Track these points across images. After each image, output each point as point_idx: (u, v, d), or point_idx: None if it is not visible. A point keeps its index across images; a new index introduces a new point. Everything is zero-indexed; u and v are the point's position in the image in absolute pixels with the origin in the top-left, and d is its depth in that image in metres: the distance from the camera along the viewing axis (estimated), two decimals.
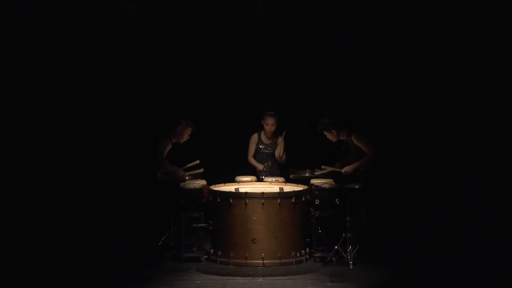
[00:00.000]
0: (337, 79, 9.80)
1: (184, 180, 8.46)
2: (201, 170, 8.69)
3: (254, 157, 9.23)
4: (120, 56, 9.63)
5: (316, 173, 8.58)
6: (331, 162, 8.62)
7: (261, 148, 9.20)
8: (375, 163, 8.32)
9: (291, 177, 8.73)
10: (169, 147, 8.63)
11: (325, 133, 8.54)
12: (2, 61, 9.33)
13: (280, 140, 9.17)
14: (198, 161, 8.70)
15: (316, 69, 9.84)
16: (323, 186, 8.26)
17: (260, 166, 9.10)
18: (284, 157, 9.19)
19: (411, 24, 9.41)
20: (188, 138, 8.78)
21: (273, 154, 9.19)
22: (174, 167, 8.57)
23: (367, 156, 8.32)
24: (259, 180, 8.90)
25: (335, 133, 8.51)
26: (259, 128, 9.22)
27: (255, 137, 9.24)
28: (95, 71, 9.67)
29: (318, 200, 8.23)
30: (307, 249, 8.24)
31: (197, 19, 9.69)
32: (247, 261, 7.96)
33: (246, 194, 8.05)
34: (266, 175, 8.99)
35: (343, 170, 8.42)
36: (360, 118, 9.26)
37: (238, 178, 8.83)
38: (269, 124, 9.09)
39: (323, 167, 8.58)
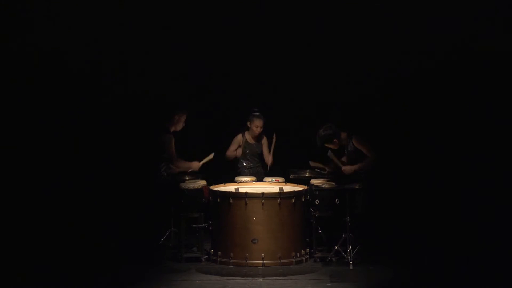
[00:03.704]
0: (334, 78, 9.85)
1: (184, 180, 8.44)
2: (211, 156, 8.63)
3: (244, 157, 9.10)
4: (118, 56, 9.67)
5: (329, 169, 8.53)
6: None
7: (248, 148, 9.09)
8: (376, 166, 8.26)
9: (291, 177, 8.70)
10: (173, 141, 8.45)
11: (326, 145, 8.38)
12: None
13: (265, 141, 9.01)
14: (212, 156, 8.64)
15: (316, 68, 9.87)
16: (323, 186, 8.26)
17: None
18: (271, 159, 8.99)
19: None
20: (184, 125, 8.61)
21: (261, 153, 9.07)
22: (187, 162, 8.51)
23: (367, 159, 8.26)
24: (259, 180, 8.87)
25: (337, 142, 8.37)
26: (244, 128, 9.03)
27: (239, 138, 9.06)
28: (94, 71, 9.72)
29: (318, 200, 8.22)
30: (307, 249, 8.23)
31: (192, 18, 9.71)
32: (247, 261, 7.95)
33: (246, 194, 8.05)
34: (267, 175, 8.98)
35: (343, 167, 8.36)
36: (361, 120, 9.26)
37: (238, 178, 8.81)
38: (259, 126, 8.89)
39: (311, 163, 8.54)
